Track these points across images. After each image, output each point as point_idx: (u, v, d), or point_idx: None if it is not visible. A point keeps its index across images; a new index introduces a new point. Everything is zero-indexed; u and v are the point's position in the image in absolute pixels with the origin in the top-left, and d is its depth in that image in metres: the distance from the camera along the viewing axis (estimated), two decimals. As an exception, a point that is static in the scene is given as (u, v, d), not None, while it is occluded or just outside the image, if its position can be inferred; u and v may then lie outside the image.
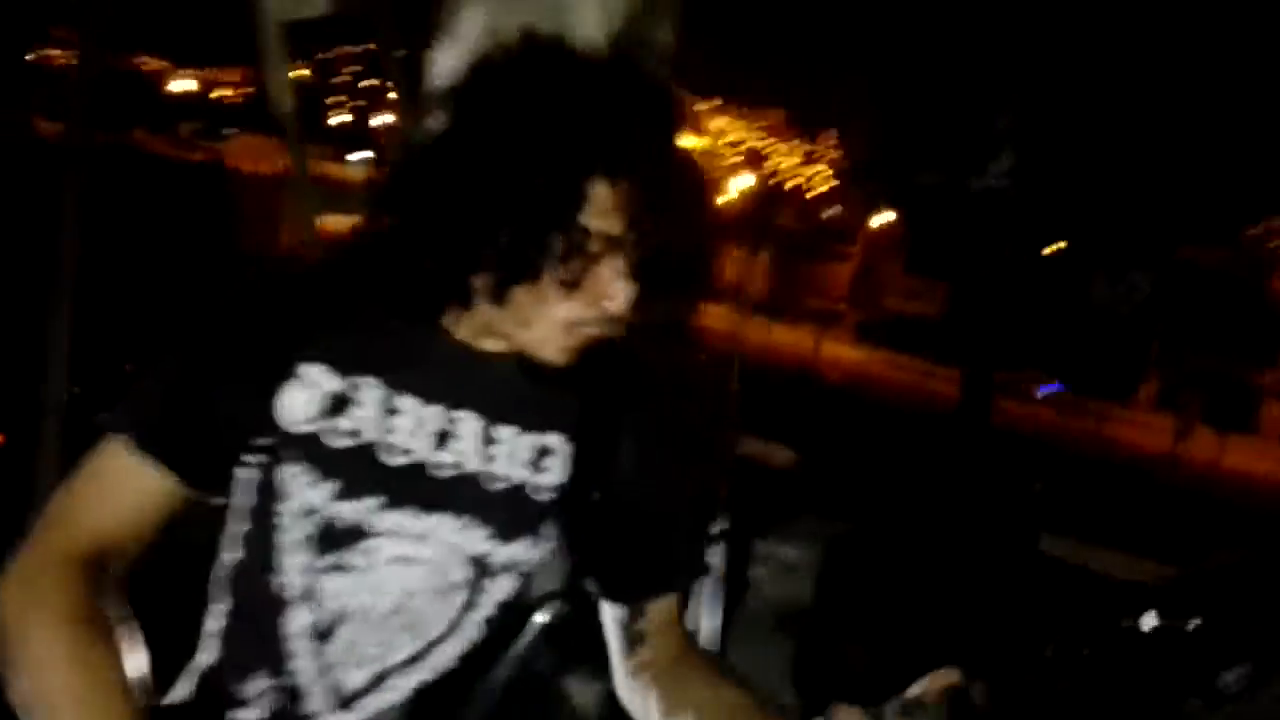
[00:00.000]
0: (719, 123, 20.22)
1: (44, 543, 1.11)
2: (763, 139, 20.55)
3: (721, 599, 2.59)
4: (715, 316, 17.62)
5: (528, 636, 1.15)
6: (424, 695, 1.13)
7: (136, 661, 1.08)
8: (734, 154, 20.86)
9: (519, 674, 1.14)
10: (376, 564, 1.11)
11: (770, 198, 21.31)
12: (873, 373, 17.20)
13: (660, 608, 1.20)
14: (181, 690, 1.17)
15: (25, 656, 1.06)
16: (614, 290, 1.06)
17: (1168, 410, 17.09)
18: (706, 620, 2.55)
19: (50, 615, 1.07)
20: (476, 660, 1.14)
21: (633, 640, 1.21)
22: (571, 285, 1.06)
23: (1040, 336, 15.94)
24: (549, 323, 1.08)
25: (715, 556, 2.63)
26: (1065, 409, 15.83)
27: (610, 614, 1.22)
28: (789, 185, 22.28)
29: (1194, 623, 1.00)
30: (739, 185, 21.38)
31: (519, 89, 1.04)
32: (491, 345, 1.13)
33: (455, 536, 1.12)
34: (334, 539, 1.10)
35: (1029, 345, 15.90)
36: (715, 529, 2.60)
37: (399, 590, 1.11)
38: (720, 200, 21.76)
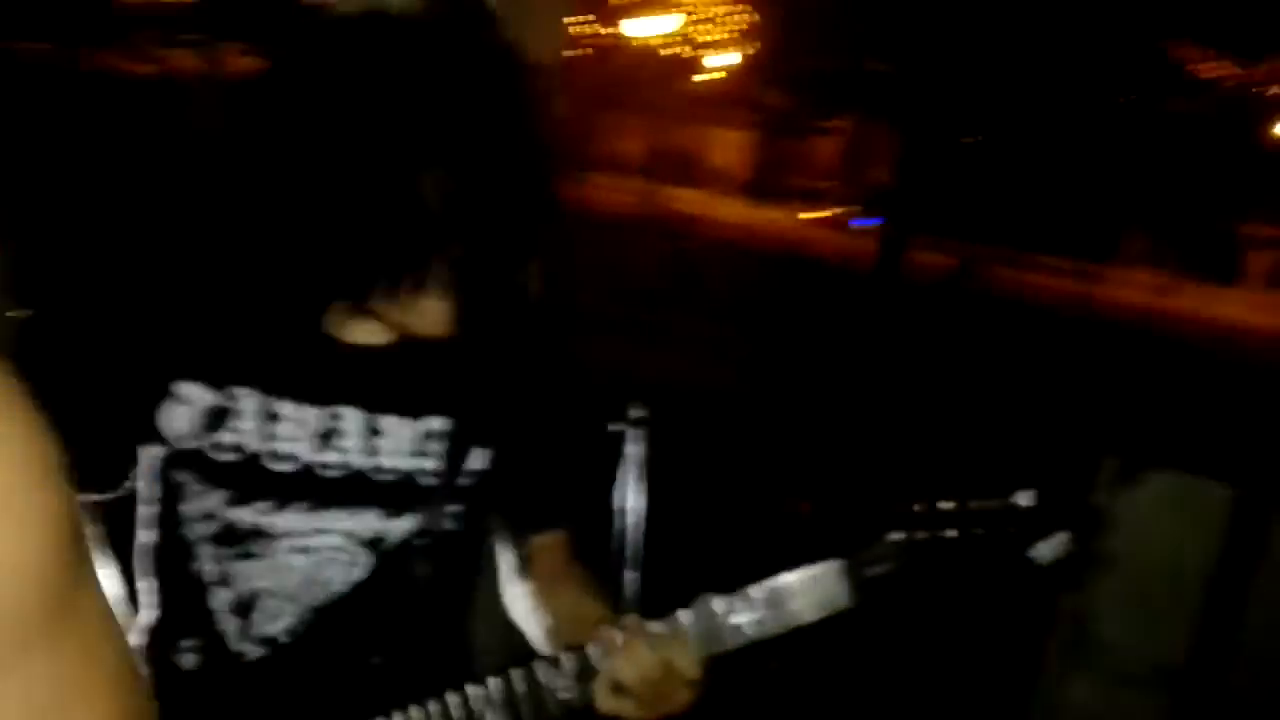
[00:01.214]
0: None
1: None
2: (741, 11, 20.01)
3: (644, 484, 2.80)
4: (693, 201, 17.47)
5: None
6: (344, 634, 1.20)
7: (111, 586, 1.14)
8: (713, 31, 20.35)
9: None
10: (279, 554, 1.16)
11: (753, 74, 20.90)
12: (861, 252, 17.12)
13: (546, 541, 1.29)
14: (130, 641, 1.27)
15: None
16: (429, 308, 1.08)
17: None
18: (632, 503, 2.77)
19: None
20: (391, 613, 1.20)
21: (520, 565, 1.30)
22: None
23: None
24: (422, 306, 1.09)
25: (636, 443, 2.86)
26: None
27: (502, 543, 1.32)
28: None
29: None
30: (718, 62, 20.93)
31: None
32: (365, 335, 1.16)
33: (348, 524, 1.16)
34: (236, 536, 1.15)
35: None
36: (634, 415, 2.81)
37: (304, 574, 1.16)
38: (701, 78, 21.34)
